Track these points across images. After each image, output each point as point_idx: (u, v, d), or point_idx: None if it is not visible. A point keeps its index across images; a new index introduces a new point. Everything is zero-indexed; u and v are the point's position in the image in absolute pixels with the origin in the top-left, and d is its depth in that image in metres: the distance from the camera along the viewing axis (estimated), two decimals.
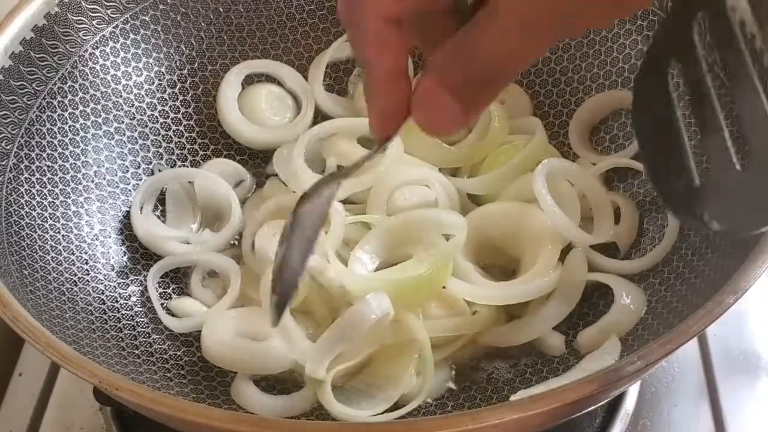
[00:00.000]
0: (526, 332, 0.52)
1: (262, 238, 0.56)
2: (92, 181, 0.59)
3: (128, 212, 0.60)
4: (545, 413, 0.37)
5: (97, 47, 0.61)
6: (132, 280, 0.58)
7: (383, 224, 0.56)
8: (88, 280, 0.55)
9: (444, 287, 0.53)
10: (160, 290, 0.58)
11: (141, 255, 0.59)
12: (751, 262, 0.42)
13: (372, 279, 0.53)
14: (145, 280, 0.58)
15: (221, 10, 0.65)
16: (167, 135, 0.64)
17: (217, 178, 0.61)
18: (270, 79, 0.67)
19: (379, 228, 0.55)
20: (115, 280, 0.57)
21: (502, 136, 0.61)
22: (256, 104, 0.65)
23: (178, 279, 0.59)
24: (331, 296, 0.54)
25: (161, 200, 0.62)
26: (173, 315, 0.56)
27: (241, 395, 0.51)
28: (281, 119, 0.66)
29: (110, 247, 0.58)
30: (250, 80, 0.66)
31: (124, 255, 0.59)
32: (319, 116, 0.66)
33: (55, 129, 0.58)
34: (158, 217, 0.62)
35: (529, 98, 0.64)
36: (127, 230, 0.60)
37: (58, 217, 0.56)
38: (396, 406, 0.49)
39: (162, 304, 0.56)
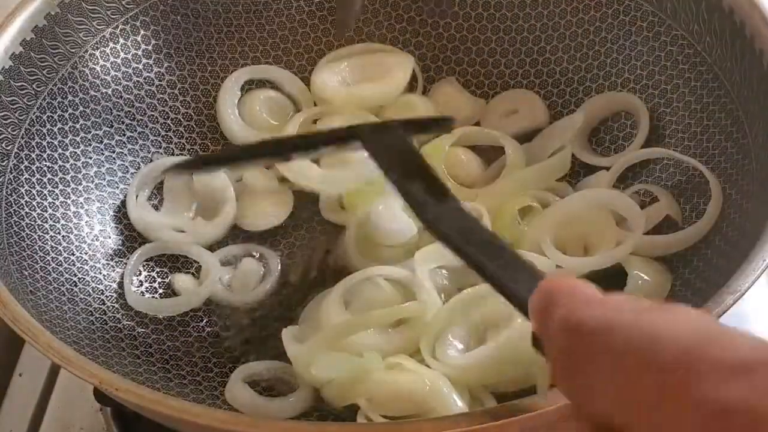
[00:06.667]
0: None
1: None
2: (92, 182, 0.60)
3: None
4: (545, 414, 0.37)
5: (98, 48, 0.61)
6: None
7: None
8: (88, 281, 0.55)
9: None
10: (154, 273, 0.58)
11: None
12: (750, 263, 0.42)
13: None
14: (146, 281, 0.58)
15: (221, 11, 0.65)
16: (167, 135, 0.64)
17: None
18: (269, 83, 0.67)
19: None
20: (115, 280, 0.57)
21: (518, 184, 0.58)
22: (255, 109, 0.65)
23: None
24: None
25: (160, 189, 0.62)
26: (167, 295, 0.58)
27: (235, 398, 0.51)
28: (281, 124, 0.66)
29: (110, 248, 0.58)
30: (250, 84, 0.66)
31: (125, 255, 0.59)
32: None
33: (56, 129, 0.58)
34: (155, 206, 0.61)
35: (546, 109, 0.63)
36: (127, 231, 0.60)
37: (58, 217, 0.56)
38: None
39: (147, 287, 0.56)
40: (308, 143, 0.53)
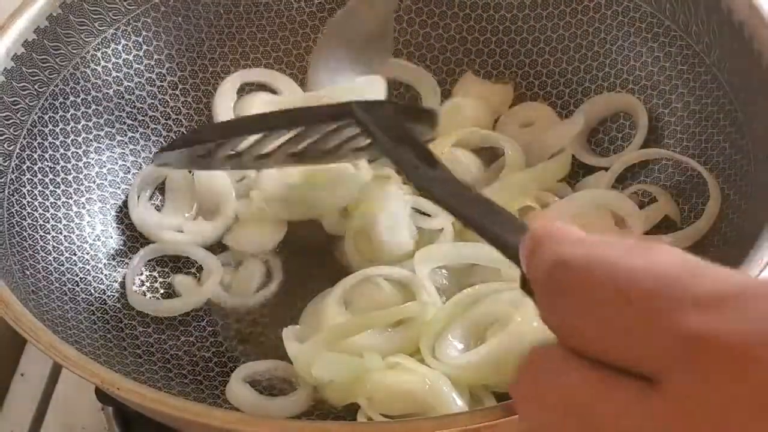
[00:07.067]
0: None
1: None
2: (94, 182, 0.60)
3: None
4: None
5: (99, 49, 0.61)
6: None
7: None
8: (89, 281, 0.56)
9: None
10: (155, 273, 0.58)
11: None
12: (749, 263, 0.42)
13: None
14: (147, 281, 0.58)
15: (222, 12, 0.66)
16: (169, 136, 0.64)
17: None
18: (266, 86, 0.67)
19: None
20: (116, 280, 0.57)
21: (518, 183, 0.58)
22: (251, 113, 0.65)
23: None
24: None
25: (162, 190, 0.62)
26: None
27: (235, 397, 0.51)
28: None
29: (112, 248, 0.59)
30: (250, 87, 0.66)
31: (126, 255, 0.59)
32: None
33: (57, 130, 0.58)
34: (156, 207, 0.62)
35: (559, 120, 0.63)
36: (128, 231, 0.60)
37: (59, 217, 0.56)
38: None
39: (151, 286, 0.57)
40: (302, 117, 0.53)
